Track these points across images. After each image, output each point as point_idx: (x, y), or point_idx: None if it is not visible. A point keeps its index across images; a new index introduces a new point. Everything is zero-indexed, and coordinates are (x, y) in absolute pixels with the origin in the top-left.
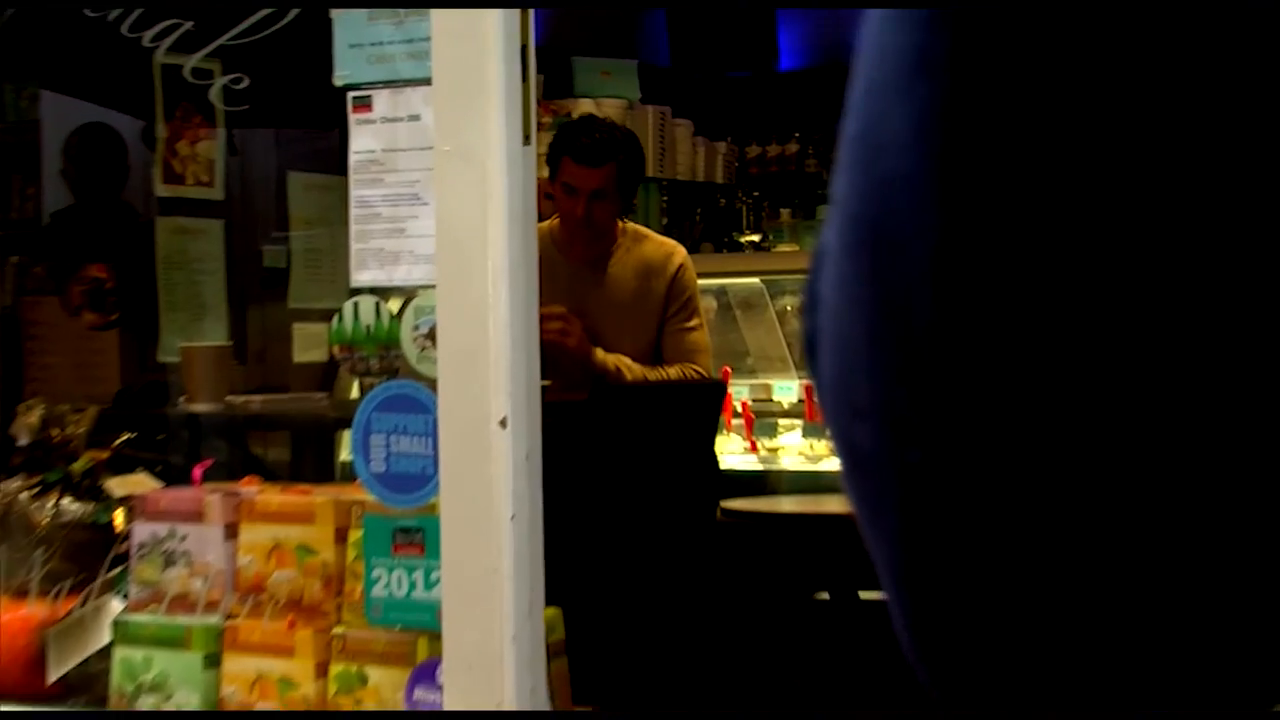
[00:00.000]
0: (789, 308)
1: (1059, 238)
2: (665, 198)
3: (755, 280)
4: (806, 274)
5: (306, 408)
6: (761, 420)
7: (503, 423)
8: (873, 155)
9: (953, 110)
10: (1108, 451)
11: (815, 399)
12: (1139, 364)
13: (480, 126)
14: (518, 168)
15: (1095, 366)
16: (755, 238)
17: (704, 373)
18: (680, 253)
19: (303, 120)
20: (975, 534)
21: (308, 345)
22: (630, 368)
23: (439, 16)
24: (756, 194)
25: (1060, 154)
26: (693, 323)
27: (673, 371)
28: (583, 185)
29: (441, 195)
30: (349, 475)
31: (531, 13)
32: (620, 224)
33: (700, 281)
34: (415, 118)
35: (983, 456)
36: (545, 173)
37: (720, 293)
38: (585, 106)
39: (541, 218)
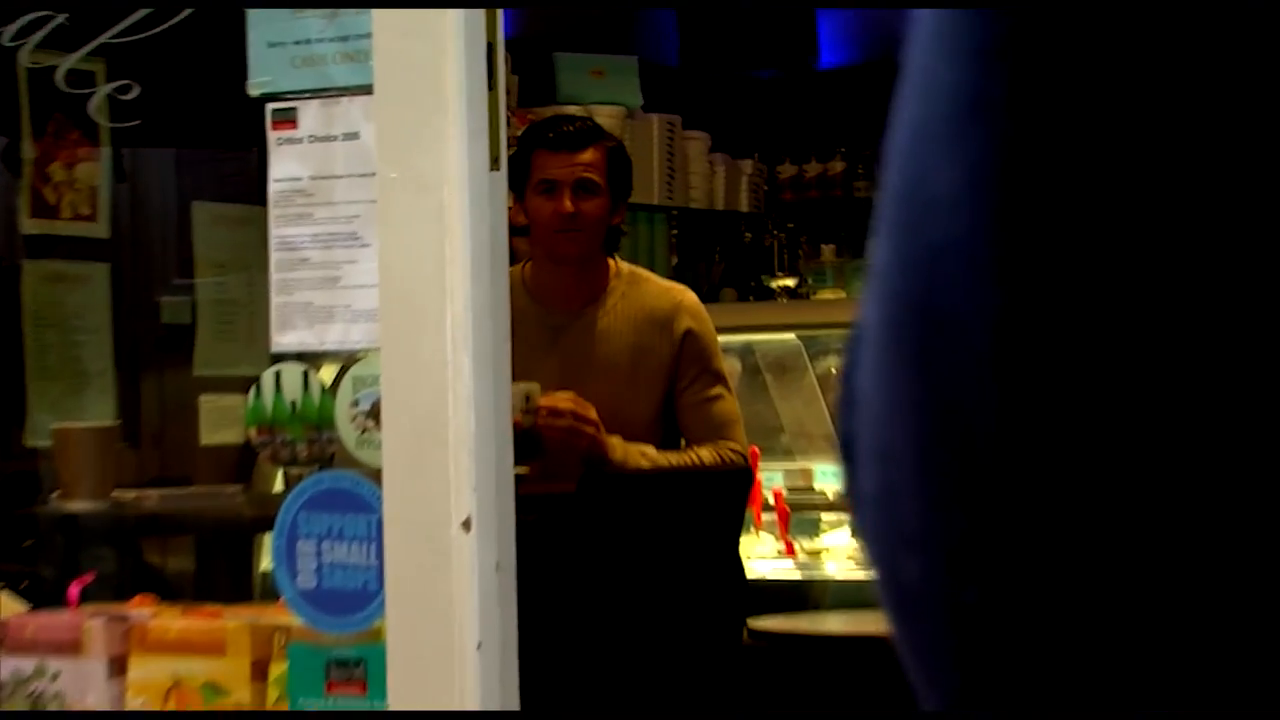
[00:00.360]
0: (834, 370)
1: (1149, 316)
2: (675, 231)
3: (790, 336)
4: (846, 352)
5: (215, 505)
6: (799, 515)
7: (466, 524)
8: (918, 215)
9: (1014, 160)
10: (1234, 598)
11: (852, 520)
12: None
13: (436, 147)
14: (484, 199)
15: (1215, 481)
16: (790, 282)
17: (742, 451)
18: (689, 300)
19: (210, 138)
20: (1048, 696)
21: (218, 424)
22: (656, 460)
23: (383, 12)
24: (791, 226)
25: (1150, 213)
26: (715, 390)
27: (705, 454)
28: (564, 175)
29: (387, 235)
30: (270, 592)
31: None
32: (612, 262)
33: (720, 339)
34: (353, 136)
35: (1059, 599)
36: (522, 202)
37: (746, 351)
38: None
39: (513, 260)
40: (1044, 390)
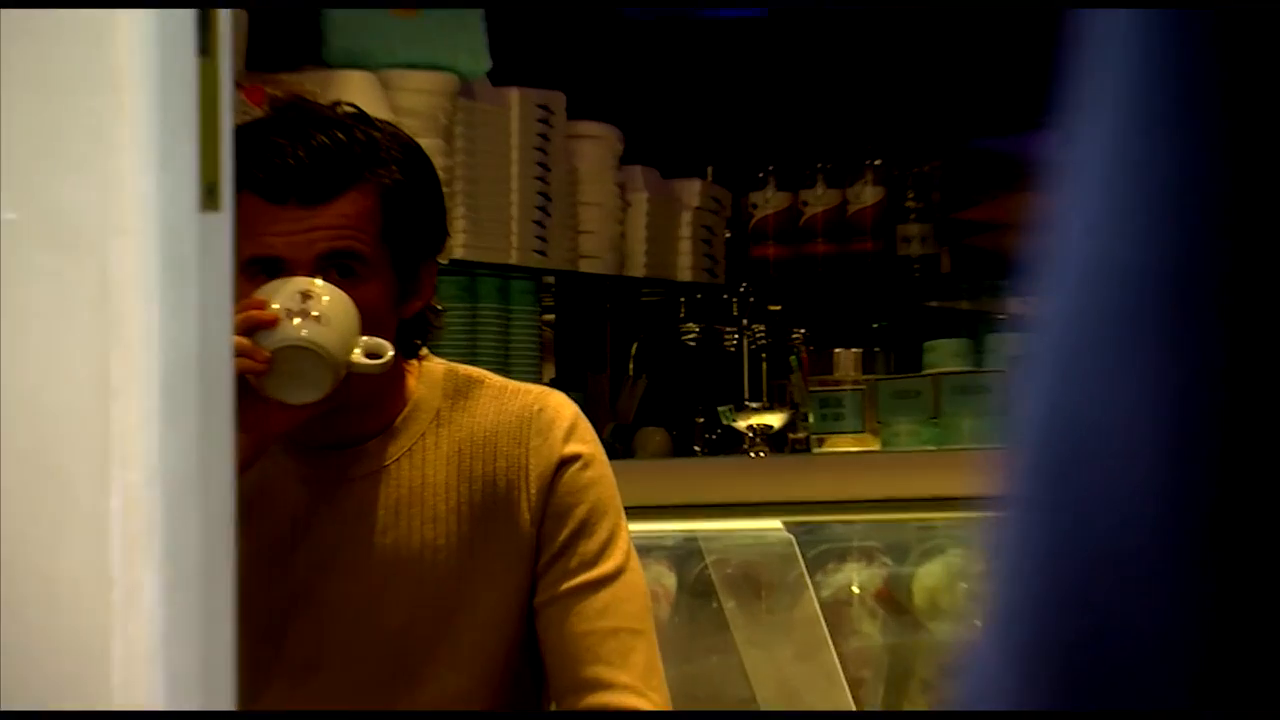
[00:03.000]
0: (856, 589)
1: None
2: (550, 317)
3: (774, 525)
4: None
5: None
6: None
7: None
8: (1081, 459)
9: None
10: None
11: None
12: None
13: (94, 165)
14: (186, 265)
15: None
16: (773, 419)
17: (654, 700)
18: (560, 407)
19: None
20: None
21: None
22: None
23: None
24: (777, 310)
25: None
26: (607, 563)
27: None
28: (296, 248)
29: (5, 329)
30: None
31: None
32: (418, 366)
33: (636, 528)
34: None
35: None
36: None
37: (685, 554)
38: (353, 88)
39: None
40: None
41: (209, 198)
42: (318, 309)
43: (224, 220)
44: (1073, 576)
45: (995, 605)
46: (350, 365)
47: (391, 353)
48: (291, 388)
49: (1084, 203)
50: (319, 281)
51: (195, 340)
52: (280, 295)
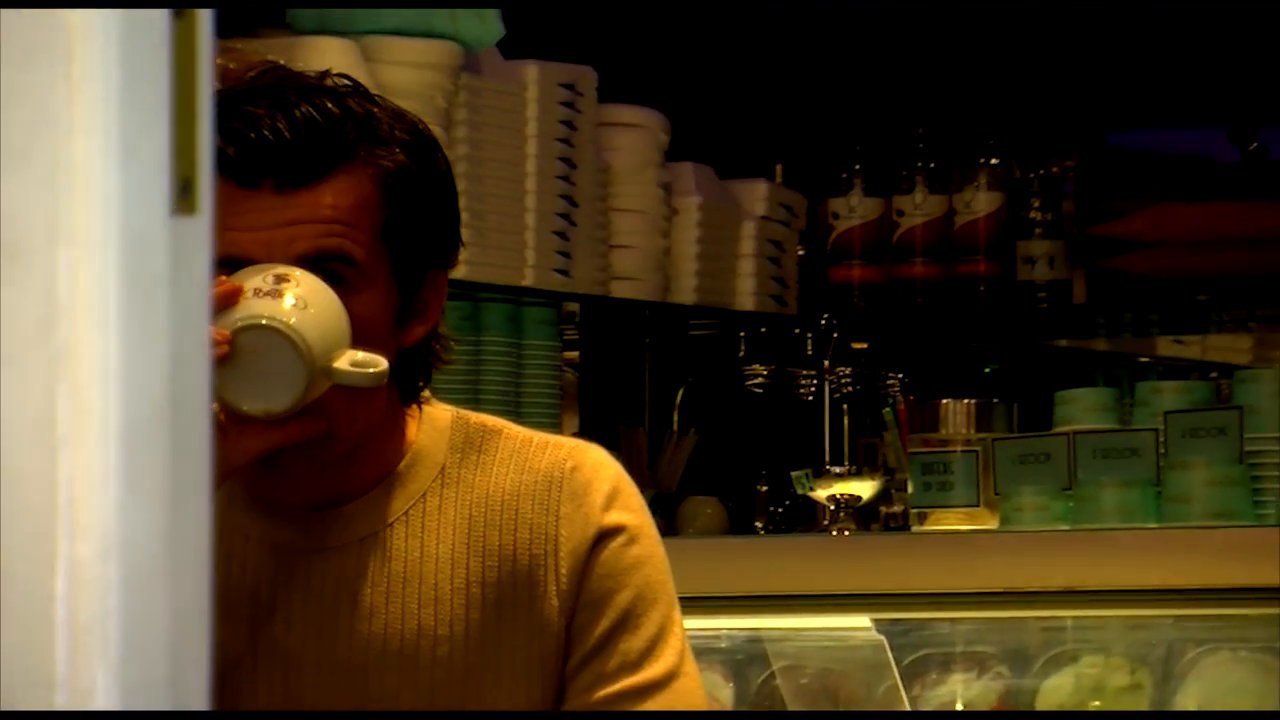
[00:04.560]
0: (963, 704)
1: None
2: (576, 353)
3: (863, 623)
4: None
5: None
6: None
7: None
8: None
9: None
10: None
11: None
12: None
13: (37, 154)
14: (157, 275)
15: None
16: (862, 488)
17: None
18: (602, 469)
19: None
20: None
21: None
22: None
23: None
24: (864, 348)
25: None
26: (656, 665)
27: None
28: (268, 247)
29: None
30: None
31: None
32: (414, 407)
33: (692, 624)
34: None
35: None
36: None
37: (747, 660)
38: (327, 58)
39: None
40: None
41: (183, 198)
42: (294, 292)
43: (202, 225)
44: None
45: None
46: (332, 373)
47: (385, 366)
48: (254, 390)
49: None
50: (299, 270)
51: (165, 378)
52: (251, 278)
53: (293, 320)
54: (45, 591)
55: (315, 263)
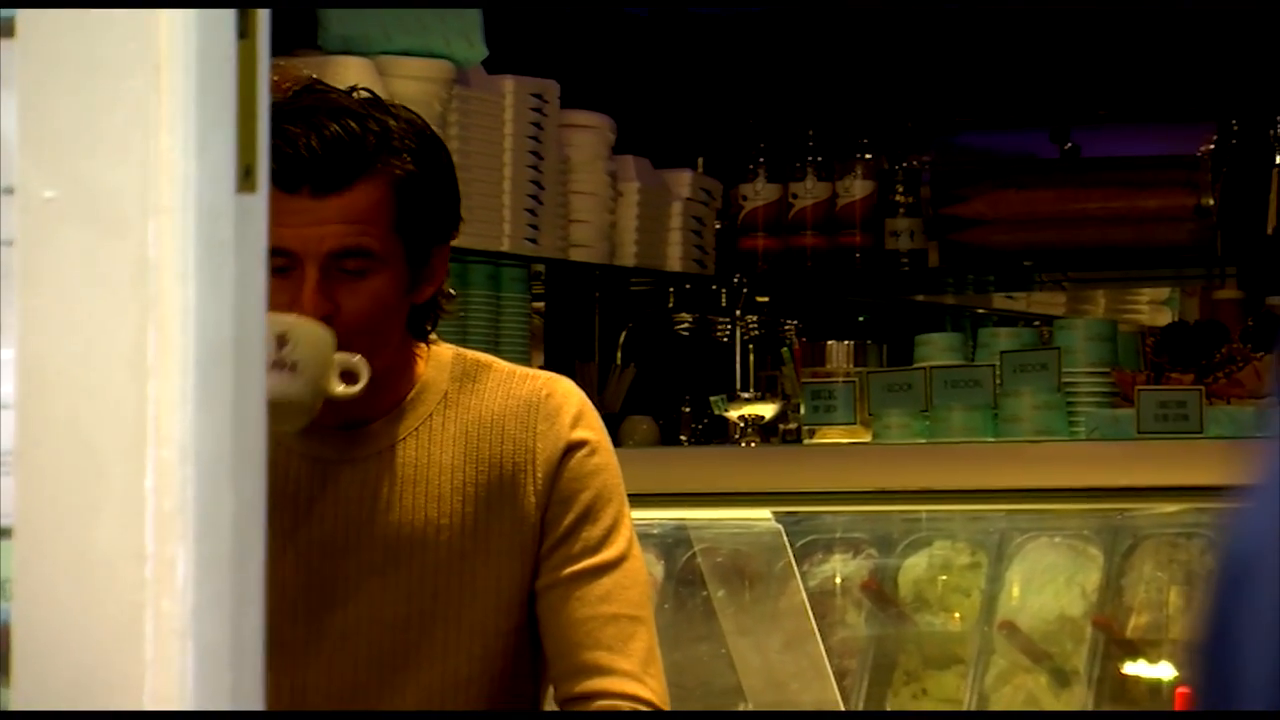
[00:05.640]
0: (842, 579)
1: None
2: (542, 304)
3: (763, 515)
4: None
5: None
6: None
7: None
8: None
9: None
10: None
11: None
12: None
13: (133, 145)
14: (224, 240)
15: None
16: (765, 409)
17: (656, 701)
18: (568, 393)
19: None
20: None
21: None
22: None
23: None
24: (765, 302)
25: None
26: (610, 550)
27: None
28: (307, 243)
29: (35, 312)
30: None
31: None
32: (424, 346)
33: (632, 515)
34: None
35: None
36: None
37: (674, 543)
38: (349, 73)
39: None
40: None
41: (245, 179)
42: (293, 356)
43: (259, 202)
44: None
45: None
46: (326, 394)
47: (367, 377)
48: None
49: None
50: (291, 318)
51: (230, 321)
52: None
53: (292, 393)
54: (138, 486)
55: (341, 256)
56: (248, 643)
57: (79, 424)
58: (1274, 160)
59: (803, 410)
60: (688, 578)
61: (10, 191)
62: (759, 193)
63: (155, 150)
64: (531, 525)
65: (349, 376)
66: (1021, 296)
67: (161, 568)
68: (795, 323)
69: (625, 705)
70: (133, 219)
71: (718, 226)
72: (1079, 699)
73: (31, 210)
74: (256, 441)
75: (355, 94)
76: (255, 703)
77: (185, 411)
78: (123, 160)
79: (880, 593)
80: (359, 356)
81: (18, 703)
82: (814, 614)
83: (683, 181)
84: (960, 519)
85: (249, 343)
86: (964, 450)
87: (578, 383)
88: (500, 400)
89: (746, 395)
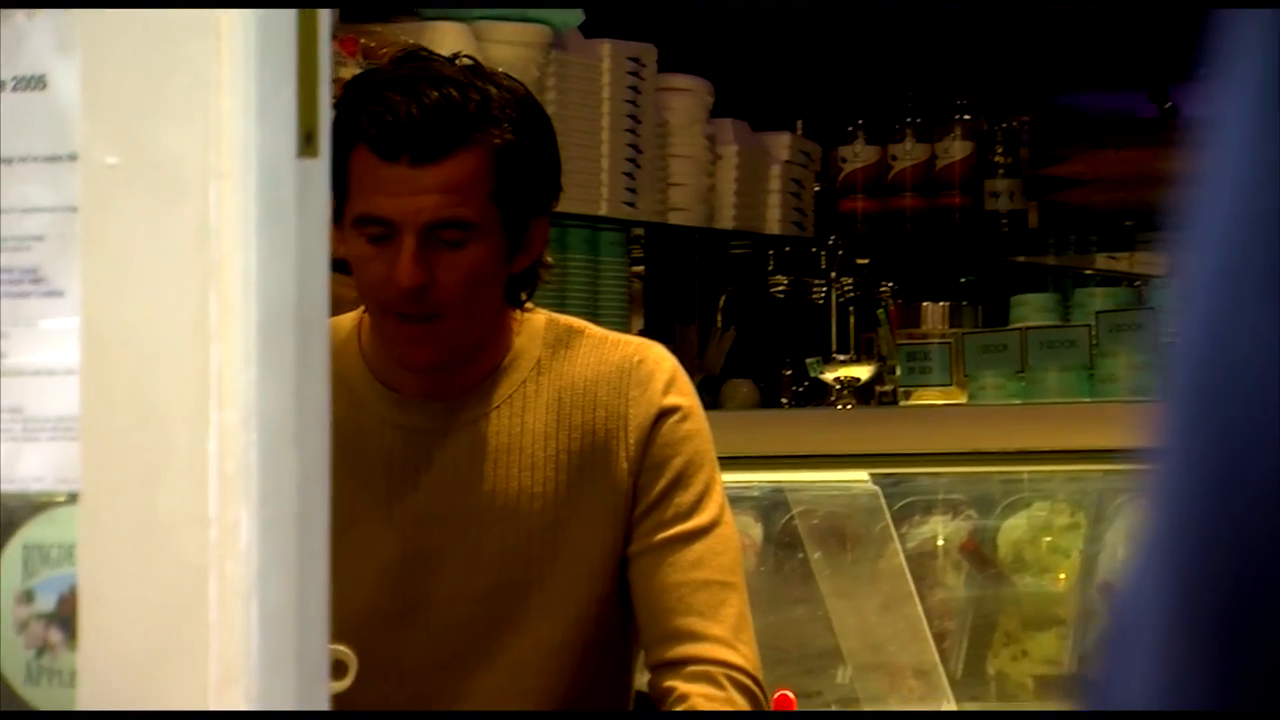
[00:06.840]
0: (941, 541)
1: None
2: (641, 268)
3: (860, 477)
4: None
5: None
6: None
7: None
8: (1233, 399)
9: None
10: None
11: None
12: None
13: (195, 111)
14: (285, 210)
15: None
16: (861, 371)
17: (748, 667)
18: (660, 360)
19: None
20: None
21: None
22: None
23: None
24: (865, 263)
25: None
26: (702, 516)
27: (696, 696)
28: (406, 213)
29: (98, 276)
30: None
31: None
32: (522, 315)
33: (724, 479)
34: (33, 83)
35: None
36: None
37: (771, 506)
38: (446, 39)
39: (338, 309)
40: None
41: (307, 144)
42: None
43: (321, 167)
44: (1228, 508)
45: (1153, 534)
46: None
47: (355, 671)
48: None
49: (1232, 156)
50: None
51: (292, 285)
52: None
53: None
54: (201, 450)
55: (439, 227)
56: (312, 604)
57: (142, 389)
58: None
59: (898, 372)
60: (786, 540)
61: (74, 158)
62: (858, 155)
63: (216, 114)
64: (623, 492)
65: (339, 668)
66: (1124, 256)
67: (225, 531)
68: (892, 284)
69: (717, 671)
70: (194, 184)
71: (816, 189)
72: None
73: (94, 177)
74: (319, 404)
75: (458, 61)
76: (320, 666)
77: (248, 375)
78: (184, 125)
79: (979, 554)
80: (345, 648)
81: (84, 667)
82: (912, 576)
83: (781, 144)
84: (1059, 479)
85: (310, 306)
86: (1059, 411)
87: (677, 347)
88: (593, 366)
89: (842, 358)
